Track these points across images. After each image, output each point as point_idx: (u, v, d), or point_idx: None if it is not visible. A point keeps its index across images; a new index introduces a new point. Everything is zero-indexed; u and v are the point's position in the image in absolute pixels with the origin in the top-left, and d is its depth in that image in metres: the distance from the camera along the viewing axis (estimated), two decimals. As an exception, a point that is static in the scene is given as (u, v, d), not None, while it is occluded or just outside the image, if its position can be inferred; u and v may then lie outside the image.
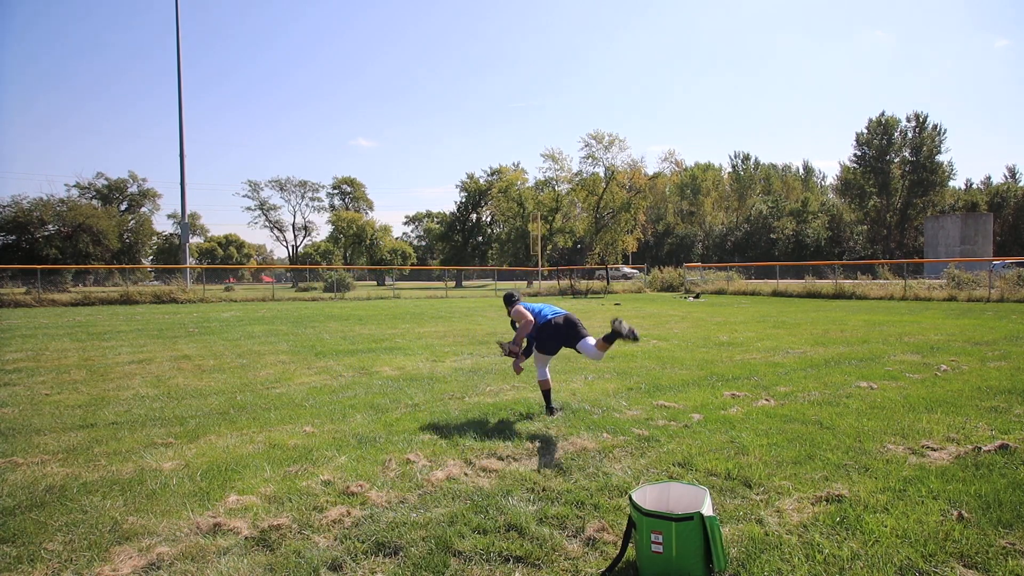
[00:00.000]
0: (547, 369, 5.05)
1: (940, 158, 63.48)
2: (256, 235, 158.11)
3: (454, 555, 2.57)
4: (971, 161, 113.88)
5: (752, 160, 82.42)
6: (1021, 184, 64.80)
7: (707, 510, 2.39)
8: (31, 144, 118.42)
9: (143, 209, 57.99)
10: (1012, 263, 24.90)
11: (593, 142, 41.70)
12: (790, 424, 4.52)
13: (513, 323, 5.17)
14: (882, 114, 65.17)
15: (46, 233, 39.29)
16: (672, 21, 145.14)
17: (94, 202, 51.23)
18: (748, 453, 3.83)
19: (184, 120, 30.81)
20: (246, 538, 2.74)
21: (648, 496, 2.63)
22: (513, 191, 50.51)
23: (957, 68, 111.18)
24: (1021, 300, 18.35)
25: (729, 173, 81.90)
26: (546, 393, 5.05)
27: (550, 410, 4.96)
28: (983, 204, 59.91)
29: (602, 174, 42.58)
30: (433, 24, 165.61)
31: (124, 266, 36.56)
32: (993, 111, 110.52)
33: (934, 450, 3.85)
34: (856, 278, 25.28)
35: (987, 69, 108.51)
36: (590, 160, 42.50)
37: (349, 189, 72.68)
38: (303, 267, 51.57)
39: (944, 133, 63.14)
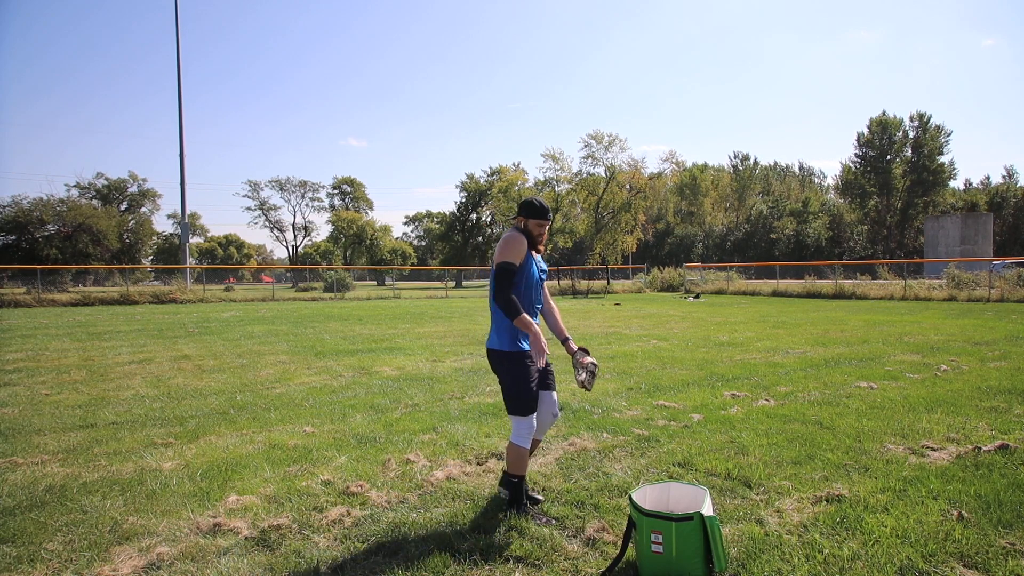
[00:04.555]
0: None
1: (942, 158, 63.49)
2: (256, 235, 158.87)
3: (454, 555, 2.57)
4: (967, 161, 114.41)
5: (751, 160, 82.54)
6: (1020, 184, 64.73)
7: (707, 510, 2.39)
8: (31, 144, 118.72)
9: (143, 209, 57.86)
10: (1012, 263, 24.89)
11: (593, 142, 41.62)
12: (790, 424, 4.51)
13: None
14: (883, 114, 65.16)
15: (46, 233, 39.24)
16: (672, 21, 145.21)
17: (94, 202, 51.11)
18: (748, 453, 3.82)
19: (184, 120, 30.87)
20: (246, 538, 2.74)
21: (648, 496, 2.62)
22: (513, 191, 50.49)
23: (950, 68, 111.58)
24: (1021, 300, 18.35)
25: (729, 173, 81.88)
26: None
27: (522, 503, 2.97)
28: (983, 204, 59.87)
29: (602, 174, 42.57)
30: (432, 24, 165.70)
31: (124, 266, 36.49)
32: (987, 110, 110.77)
33: (934, 450, 3.85)
34: (856, 278, 25.28)
35: (977, 69, 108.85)
36: (590, 160, 42.47)
37: (349, 189, 72.66)
38: (303, 267, 51.54)
39: (950, 135, 63.20)
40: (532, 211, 3.01)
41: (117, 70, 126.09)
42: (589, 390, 3.07)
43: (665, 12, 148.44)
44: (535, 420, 2.97)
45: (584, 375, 3.01)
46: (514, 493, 2.95)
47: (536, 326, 2.91)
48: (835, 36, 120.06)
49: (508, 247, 2.91)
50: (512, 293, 2.87)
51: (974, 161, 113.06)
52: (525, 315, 2.85)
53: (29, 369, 7.43)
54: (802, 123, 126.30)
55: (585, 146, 42.02)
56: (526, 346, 2.96)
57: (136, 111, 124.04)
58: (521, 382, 2.90)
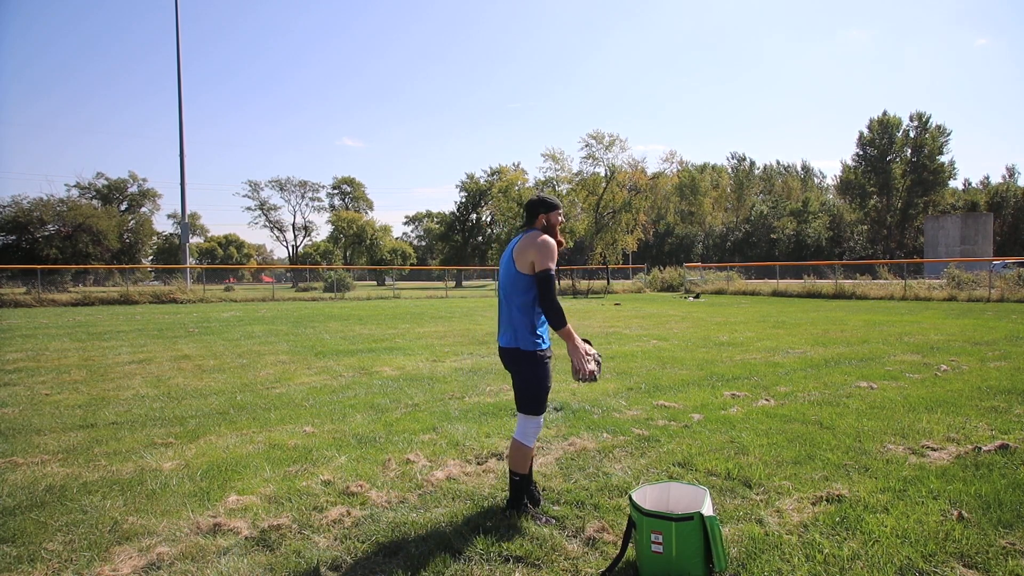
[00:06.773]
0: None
1: (942, 158, 63.50)
2: (256, 235, 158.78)
3: (454, 555, 2.57)
4: (967, 161, 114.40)
5: (747, 160, 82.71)
6: (1020, 184, 64.73)
7: (707, 510, 2.39)
8: (31, 144, 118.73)
9: (143, 209, 57.74)
10: (1012, 263, 24.90)
11: (593, 142, 41.59)
12: (790, 424, 4.51)
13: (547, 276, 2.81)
14: (884, 114, 65.17)
15: (46, 233, 39.21)
16: (672, 21, 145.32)
17: (94, 202, 51.04)
18: (748, 453, 3.82)
19: (184, 120, 30.85)
20: (246, 538, 2.74)
21: (648, 496, 2.62)
22: (513, 191, 50.48)
23: (948, 67, 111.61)
24: (1021, 300, 18.34)
25: (727, 173, 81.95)
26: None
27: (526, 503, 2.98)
28: (983, 204, 59.88)
29: (603, 174, 42.54)
30: (432, 24, 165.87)
31: (124, 266, 36.46)
32: (987, 110, 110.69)
33: (934, 450, 3.85)
34: (856, 278, 25.28)
35: (975, 68, 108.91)
36: (590, 160, 42.45)
37: (349, 189, 72.69)
38: (303, 267, 51.55)
39: (950, 135, 63.22)
40: (552, 204, 2.98)
41: (117, 70, 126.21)
42: (596, 380, 2.94)
43: (665, 12, 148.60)
44: (543, 420, 2.98)
45: (593, 365, 2.92)
46: (515, 492, 2.95)
47: (577, 337, 2.89)
48: (834, 36, 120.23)
49: (551, 253, 2.83)
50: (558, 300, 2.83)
51: (974, 161, 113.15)
52: (570, 326, 2.84)
53: (29, 369, 7.43)
54: (802, 123, 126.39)
55: (585, 146, 42.00)
56: (545, 345, 2.92)
57: (136, 111, 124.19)
58: (542, 382, 2.89)
